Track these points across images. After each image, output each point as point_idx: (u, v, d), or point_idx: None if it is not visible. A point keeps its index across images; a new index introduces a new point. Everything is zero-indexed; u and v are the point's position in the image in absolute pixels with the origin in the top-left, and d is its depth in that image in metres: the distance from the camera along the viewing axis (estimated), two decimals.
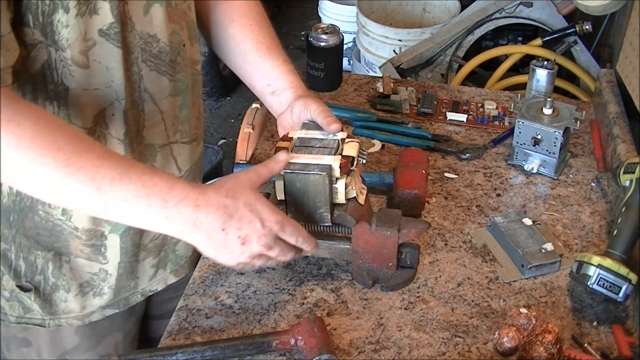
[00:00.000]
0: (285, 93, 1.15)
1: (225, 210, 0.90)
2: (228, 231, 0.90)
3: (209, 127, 3.48)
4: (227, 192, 0.91)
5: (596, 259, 1.07)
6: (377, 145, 1.47)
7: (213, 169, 2.53)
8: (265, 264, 0.97)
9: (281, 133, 1.15)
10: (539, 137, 1.35)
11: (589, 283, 1.07)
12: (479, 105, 1.60)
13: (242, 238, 0.91)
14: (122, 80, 0.96)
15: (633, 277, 1.06)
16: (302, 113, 1.10)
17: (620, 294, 1.07)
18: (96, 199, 0.84)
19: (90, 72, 0.93)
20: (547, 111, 1.36)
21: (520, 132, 1.37)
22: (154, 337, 1.33)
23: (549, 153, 1.36)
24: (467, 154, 1.44)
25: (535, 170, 1.38)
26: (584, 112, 1.38)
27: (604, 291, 1.07)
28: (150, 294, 1.19)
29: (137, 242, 1.10)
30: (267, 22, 1.20)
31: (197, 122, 1.15)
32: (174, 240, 1.17)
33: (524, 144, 1.38)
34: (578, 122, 1.35)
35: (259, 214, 0.92)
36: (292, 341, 1.00)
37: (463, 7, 2.59)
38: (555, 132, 1.33)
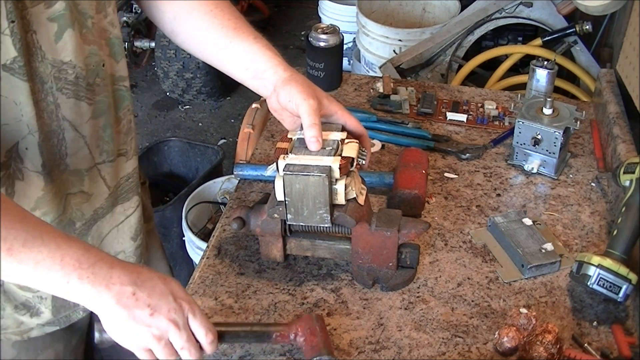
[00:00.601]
0: (266, 75, 1.10)
1: (139, 275, 0.87)
2: (138, 296, 0.85)
3: (208, 127, 3.48)
4: (144, 266, 0.90)
5: (596, 259, 1.07)
6: (377, 145, 1.47)
7: (213, 169, 2.53)
8: (163, 354, 0.88)
9: (272, 113, 1.13)
10: (539, 137, 1.35)
11: (589, 283, 1.07)
12: (479, 105, 1.60)
13: (152, 307, 0.86)
14: (32, 113, 0.93)
15: (633, 277, 1.06)
16: (289, 105, 1.06)
17: (620, 294, 1.07)
18: (6, 261, 0.81)
19: None
20: (547, 111, 1.36)
21: (520, 132, 1.37)
22: (102, 347, 1.31)
23: (549, 153, 1.36)
24: (467, 154, 1.44)
25: (535, 170, 1.38)
26: (584, 112, 1.38)
27: (604, 291, 1.07)
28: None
29: None
30: (225, 1, 1.15)
31: (125, 137, 1.12)
32: (113, 255, 1.15)
33: (524, 144, 1.37)
34: (578, 122, 1.35)
35: (171, 288, 0.88)
36: (292, 336, 1.00)
37: (463, 7, 2.59)
38: (555, 132, 1.33)
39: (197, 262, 1.38)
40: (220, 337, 0.96)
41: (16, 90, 0.90)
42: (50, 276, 0.84)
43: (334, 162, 1.00)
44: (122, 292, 0.85)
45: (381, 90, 1.62)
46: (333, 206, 1.04)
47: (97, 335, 0.93)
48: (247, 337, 1.00)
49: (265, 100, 1.14)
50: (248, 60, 1.12)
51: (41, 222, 0.88)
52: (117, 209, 1.14)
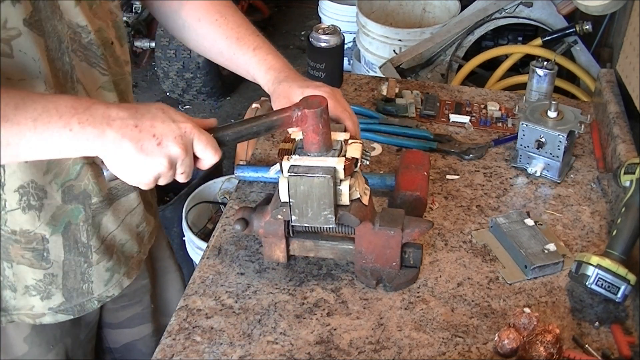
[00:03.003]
0: (265, 80, 1.16)
1: (137, 110, 0.87)
2: (141, 127, 0.86)
3: None
4: (138, 102, 0.90)
5: (595, 259, 1.07)
6: (378, 149, 1.47)
7: (213, 168, 2.53)
8: (168, 178, 0.91)
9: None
10: (543, 140, 1.34)
11: (587, 283, 1.07)
12: (482, 106, 1.60)
13: (157, 137, 0.86)
14: (48, 69, 0.93)
15: (632, 277, 1.06)
16: (282, 101, 1.11)
17: (619, 295, 1.07)
18: (4, 129, 0.82)
19: (14, 62, 0.90)
20: (552, 114, 1.35)
21: (524, 135, 1.36)
22: (113, 347, 1.33)
23: (553, 156, 1.35)
24: (470, 154, 1.43)
25: (538, 174, 1.37)
26: (589, 115, 1.38)
27: (603, 291, 1.07)
28: (108, 299, 1.17)
29: (84, 240, 1.08)
30: (230, 7, 1.19)
31: None
32: (122, 242, 1.15)
33: (528, 146, 1.37)
34: (582, 126, 1.34)
35: (171, 115, 0.89)
36: (295, 122, 0.99)
37: (463, 7, 2.60)
38: (559, 135, 1.33)
39: (197, 262, 1.38)
40: (224, 143, 0.96)
41: (35, 47, 0.91)
42: (51, 130, 0.84)
43: (339, 163, 1.00)
44: (125, 125, 0.85)
45: (384, 93, 1.61)
46: (337, 207, 1.04)
47: (105, 173, 0.92)
48: (250, 134, 0.99)
49: (265, 100, 1.16)
50: (250, 69, 1.18)
51: (24, 91, 0.87)
52: (132, 195, 1.15)
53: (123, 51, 1.08)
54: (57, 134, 0.84)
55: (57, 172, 1.01)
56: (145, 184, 0.90)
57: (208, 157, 0.93)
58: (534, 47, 2.37)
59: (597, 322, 1.09)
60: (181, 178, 0.92)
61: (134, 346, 1.34)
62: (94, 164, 1.06)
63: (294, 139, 1.06)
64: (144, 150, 0.86)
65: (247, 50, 1.17)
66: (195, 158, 0.93)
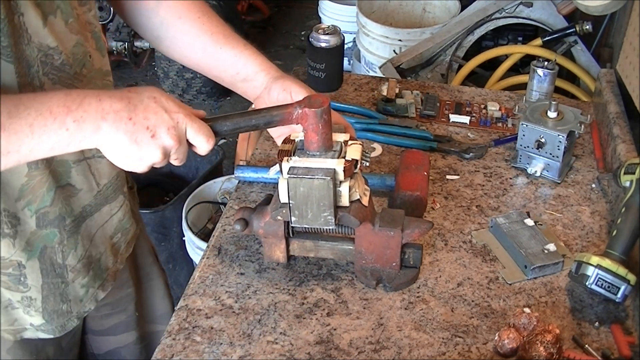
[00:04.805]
0: (258, 77, 1.15)
1: (130, 100, 0.88)
2: (135, 120, 0.87)
3: None
4: (129, 89, 0.90)
5: (595, 259, 1.07)
6: (378, 149, 1.47)
7: (213, 168, 2.53)
8: (162, 164, 0.93)
9: None
10: (543, 140, 1.34)
11: (587, 283, 1.08)
12: (482, 106, 1.60)
13: (151, 129, 0.88)
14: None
15: (632, 277, 1.06)
16: (281, 95, 1.10)
17: (619, 295, 1.07)
18: (3, 138, 0.82)
19: None
20: (552, 114, 1.35)
21: (524, 135, 1.36)
22: (97, 352, 1.32)
23: (553, 157, 1.35)
24: (471, 153, 1.43)
25: (538, 174, 1.37)
26: (589, 115, 1.38)
27: (602, 291, 1.07)
28: (85, 314, 1.15)
29: (60, 262, 1.06)
30: (210, 8, 1.19)
31: None
32: (97, 256, 1.14)
33: (528, 146, 1.37)
34: (582, 126, 1.34)
35: (164, 105, 0.90)
36: (295, 121, 0.99)
37: (463, 7, 2.60)
38: (559, 135, 1.33)
39: (197, 262, 1.38)
40: (220, 132, 0.98)
41: (4, 74, 0.89)
42: (49, 133, 0.85)
43: (338, 165, 1.00)
44: (119, 118, 0.87)
45: (384, 93, 1.61)
46: (337, 208, 1.04)
47: None
48: (249, 127, 0.99)
49: None
50: (239, 65, 1.16)
51: (16, 95, 0.87)
52: (105, 208, 1.12)
53: (104, 62, 1.06)
54: (55, 135, 0.85)
55: (30, 200, 0.99)
56: (140, 170, 0.93)
57: (201, 144, 0.95)
58: (534, 47, 2.37)
59: (597, 322, 1.09)
60: (175, 162, 0.95)
61: (118, 353, 1.33)
62: (67, 186, 1.04)
63: (294, 140, 1.06)
64: (138, 142, 0.88)
65: (236, 44, 1.16)
66: (190, 144, 0.95)
